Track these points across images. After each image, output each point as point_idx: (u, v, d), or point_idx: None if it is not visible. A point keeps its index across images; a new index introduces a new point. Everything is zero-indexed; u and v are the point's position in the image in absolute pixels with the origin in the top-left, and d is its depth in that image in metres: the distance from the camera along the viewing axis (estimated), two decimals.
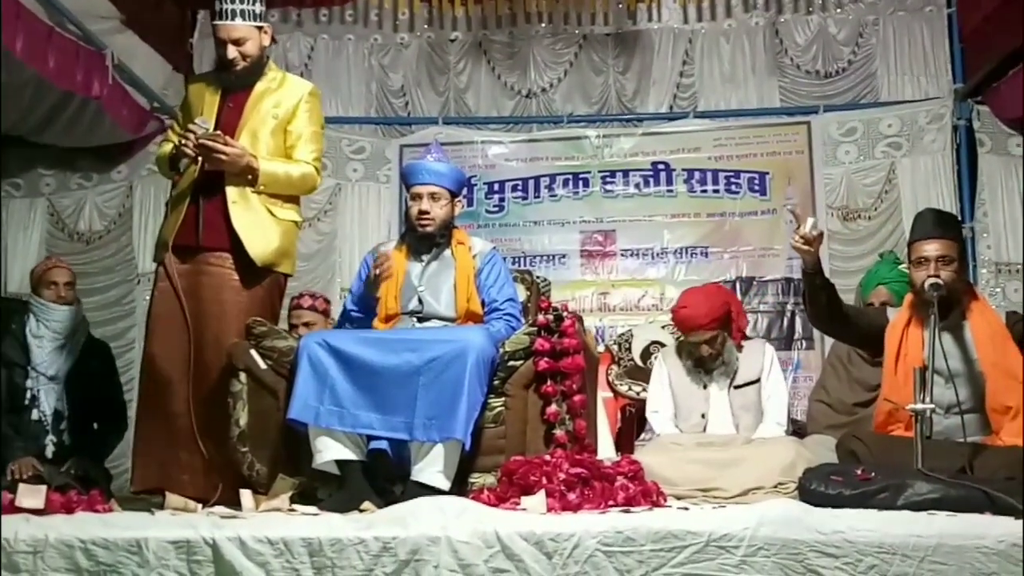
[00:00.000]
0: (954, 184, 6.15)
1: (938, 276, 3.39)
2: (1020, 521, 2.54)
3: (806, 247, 3.47)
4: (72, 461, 4.26)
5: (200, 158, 3.54)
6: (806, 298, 3.66)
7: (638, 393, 4.58)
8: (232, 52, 3.61)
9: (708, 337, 3.96)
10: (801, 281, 3.78)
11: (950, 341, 3.40)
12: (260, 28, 3.67)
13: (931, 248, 3.45)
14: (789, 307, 6.24)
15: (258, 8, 3.66)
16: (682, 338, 4.18)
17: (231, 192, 3.59)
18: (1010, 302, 5.98)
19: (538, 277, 4.32)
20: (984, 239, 6.05)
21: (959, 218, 3.76)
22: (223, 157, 3.50)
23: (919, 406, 3.08)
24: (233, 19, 3.60)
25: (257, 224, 3.61)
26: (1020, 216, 6.02)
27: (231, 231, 3.58)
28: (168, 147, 3.71)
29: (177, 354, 3.57)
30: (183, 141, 3.54)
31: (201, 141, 3.50)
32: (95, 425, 4.55)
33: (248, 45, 3.63)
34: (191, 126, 3.55)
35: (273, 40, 3.80)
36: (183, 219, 3.61)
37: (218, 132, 3.54)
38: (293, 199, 3.76)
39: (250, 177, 3.57)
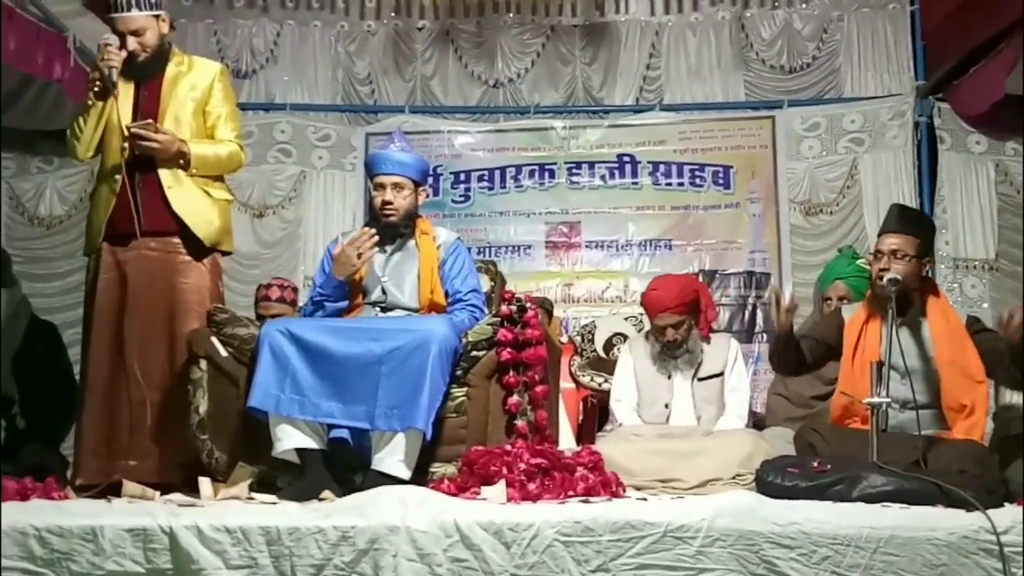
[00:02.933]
0: (915, 180, 6.22)
1: (887, 269, 3.40)
2: (971, 514, 2.60)
3: (787, 316, 3.48)
4: (26, 447, 4.21)
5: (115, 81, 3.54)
6: (777, 354, 3.67)
7: (600, 384, 4.60)
8: (132, 44, 3.61)
9: (675, 321, 3.97)
10: (768, 317, 3.82)
11: (908, 337, 3.43)
12: (158, 17, 3.66)
13: (888, 242, 3.47)
14: (751, 300, 6.29)
15: None
16: (646, 329, 4.20)
17: (165, 176, 3.60)
18: (967, 298, 6.08)
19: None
20: (943, 235, 6.11)
21: (926, 215, 3.77)
22: (155, 145, 3.52)
23: (875, 400, 3.11)
24: (129, 10, 3.60)
25: (197, 206, 3.64)
26: (978, 212, 6.12)
27: (172, 214, 3.59)
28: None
29: (127, 341, 3.54)
30: (105, 57, 3.51)
31: (133, 130, 3.51)
32: (46, 410, 4.49)
33: (147, 35, 3.63)
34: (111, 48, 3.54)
35: (172, 27, 3.80)
36: (116, 206, 3.59)
37: (149, 121, 3.54)
38: (221, 178, 3.79)
39: (182, 161, 3.59)
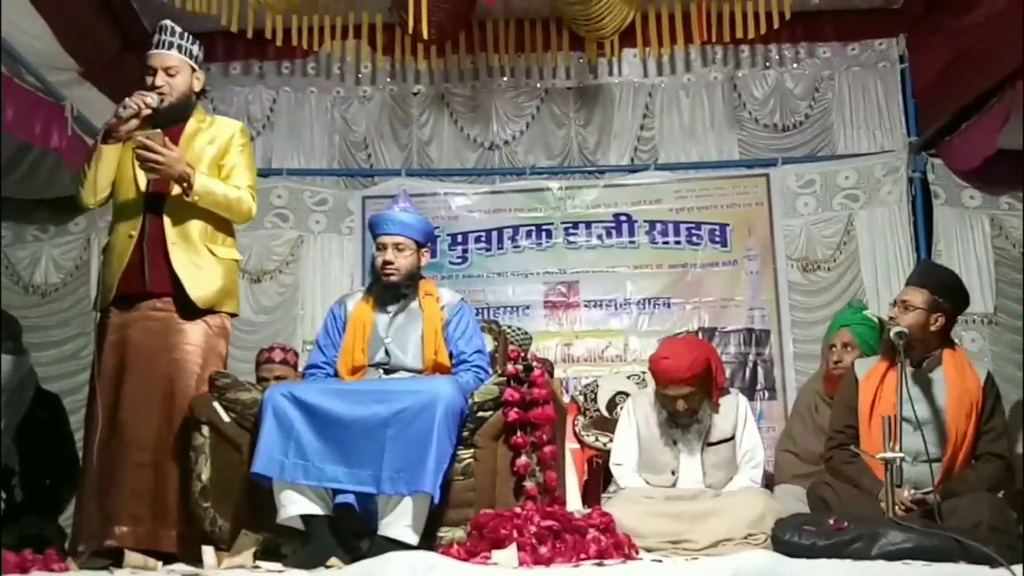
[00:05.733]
0: (910, 235, 6.23)
1: (893, 319, 3.46)
2: (995, 570, 2.54)
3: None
4: (24, 519, 4.13)
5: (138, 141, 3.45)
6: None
7: (605, 444, 4.54)
8: (161, 79, 3.59)
9: (686, 392, 3.80)
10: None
11: (922, 389, 3.43)
12: (193, 69, 3.67)
13: (902, 294, 3.54)
14: (751, 357, 6.26)
15: (194, 49, 3.68)
16: (650, 387, 4.13)
17: (171, 233, 3.55)
18: (969, 352, 6.03)
19: (517, 329, 4.27)
20: None
21: (949, 273, 3.80)
22: (160, 159, 3.43)
23: (889, 455, 3.08)
24: (169, 49, 3.61)
25: (197, 264, 3.57)
26: (975, 267, 6.12)
27: (172, 273, 3.53)
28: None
29: (124, 404, 3.48)
30: (129, 101, 3.45)
31: (138, 139, 3.45)
32: (47, 481, 4.42)
33: (178, 78, 3.62)
34: (143, 95, 3.50)
35: (204, 91, 3.79)
36: (128, 265, 3.55)
37: (158, 131, 3.48)
38: (230, 235, 3.72)
39: (184, 185, 3.50)
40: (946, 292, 3.58)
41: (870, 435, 3.43)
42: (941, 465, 3.36)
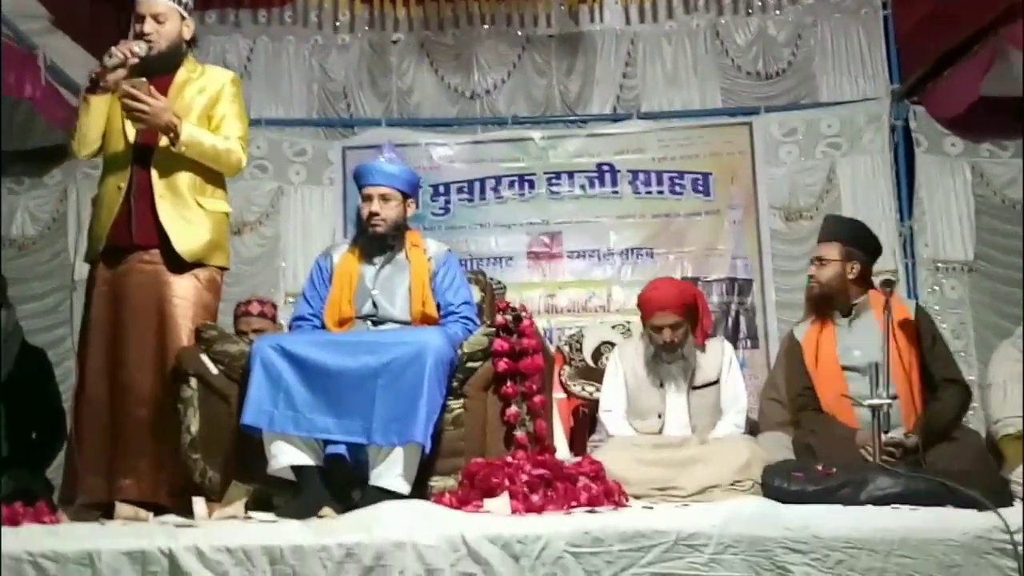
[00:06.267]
0: (892, 183, 6.25)
1: (812, 276, 3.72)
2: (982, 514, 2.58)
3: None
4: (11, 473, 4.11)
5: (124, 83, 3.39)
6: None
7: (591, 394, 4.56)
8: (150, 26, 3.51)
9: (673, 321, 3.88)
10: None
11: (858, 337, 3.60)
12: (182, 17, 3.59)
13: (815, 251, 3.77)
14: (734, 307, 6.30)
15: None
16: (635, 334, 4.15)
17: (158, 186, 3.48)
18: (948, 299, 6.11)
19: (491, 279, 4.27)
20: (921, 237, 6.16)
21: (856, 222, 3.96)
22: (145, 108, 3.36)
23: (876, 401, 3.11)
24: None
25: (185, 217, 3.50)
26: (956, 214, 6.15)
27: (159, 226, 3.47)
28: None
29: (118, 358, 3.44)
30: (115, 50, 3.38)
31: (123, 88, 3.38)
32: (33, 435, 4.40)
33: (167, 25, 3.54)
34: (130, 43, 3.43)
35: (194, 40, 3.71)
36: (116, 218, 3.49)
37: (143, 80, 3.41)
38: (220, 187, 3.65)
39: (171, 136, 3.43)
40: (856, 240, 3.73)
41: (827, 388, 3.56)
42: (901, 401, 3.40)
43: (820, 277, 3.68)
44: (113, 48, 3.39)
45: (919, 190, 6.19)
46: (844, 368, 3.53)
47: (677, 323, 3.90)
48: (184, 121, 3.45)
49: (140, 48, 3.44)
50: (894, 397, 3.31)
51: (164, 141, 3.45)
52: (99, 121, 3.52)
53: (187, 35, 3.63)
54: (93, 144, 3.55)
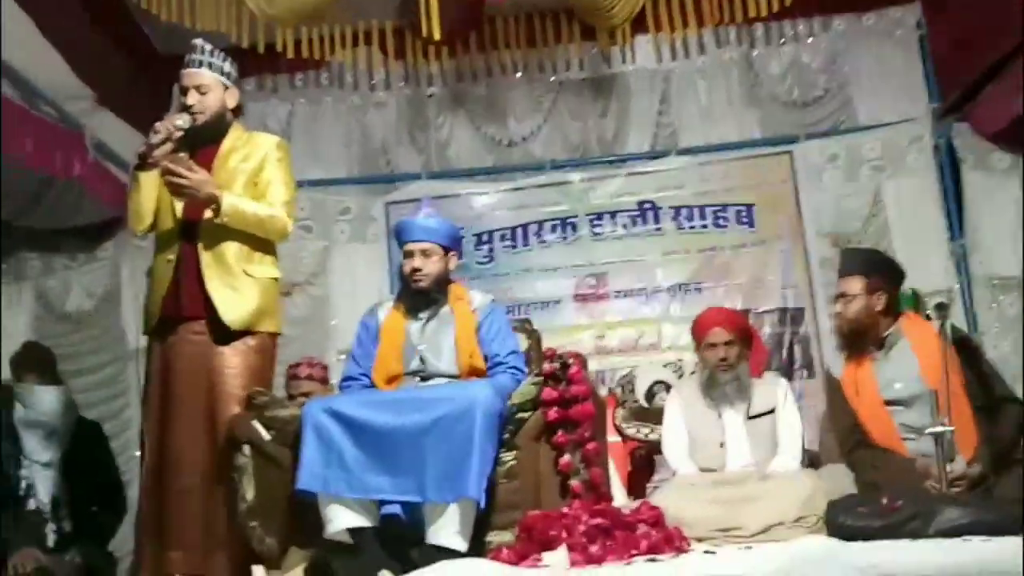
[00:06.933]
0: (940, 202, 6.14)
1: (839, 314, 3.66)
2: None
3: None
4: (75, 549, 4.15)
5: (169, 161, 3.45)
6: None
7: (647, 435, 4.52)
8: (193, 97, 3.58)
9: (727, 338, 3.96)
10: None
11: (896, 368, 3.52)
12: (225, 87, 3.65)
13: (838, 288, 3.73)
14: (787, 337, 6.20)
15: (226, 67, 3.67)
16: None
17: (205, 257, 3.53)
18: (1006, 316, 5.97)
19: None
20: (975, 255, 6.04)
21: (871, 250, 3.88)
22: (185, 182, 3.42)
23: (938, 428, 3.04)
24: (199, 68, 3.61)
25: (232, 287, 3.53)
26: (1008, 229, 6.02)
27: (207, 297, 3.50)
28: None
29: (174, 431, 3.47)
30: (159, 126, 3.45)
31: (163, 165, 3.44)
32: (94, 509, 4.44)
33: (211, 96, 3.60)
34: (173, 117, 3.50)
35: (240, 109, 3.77)
36: (166, 292, 3.54)
37: (183, 155, 3.47)
38: (268, 253, 3.67)
39: (214, 207, 3.47)
40: (878, 270, 3.68)
41: (875, 424, 3.48)
42: (955, 430, 3.31)
43: (847, 314, 3.62)
44: (157, 124, 3.47)
45: (968, 207, 6.08)
46: (887, 403, 3.44)
47: (731, 340, 3.97)
48: (226, 192, 3.49)
49: (183, 121, 3.51)
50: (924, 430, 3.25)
51: (208, 213, 3.49)
52: (150, 196, 3.58)
53: (231, 103, 3.69)
54: (147, 219, 3.62)
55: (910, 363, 3.45)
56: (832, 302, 3.78)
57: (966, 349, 3.54)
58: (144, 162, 3.50)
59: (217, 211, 3.47)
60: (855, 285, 3.62)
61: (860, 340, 3.61)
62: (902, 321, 3.60)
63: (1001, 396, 3.45)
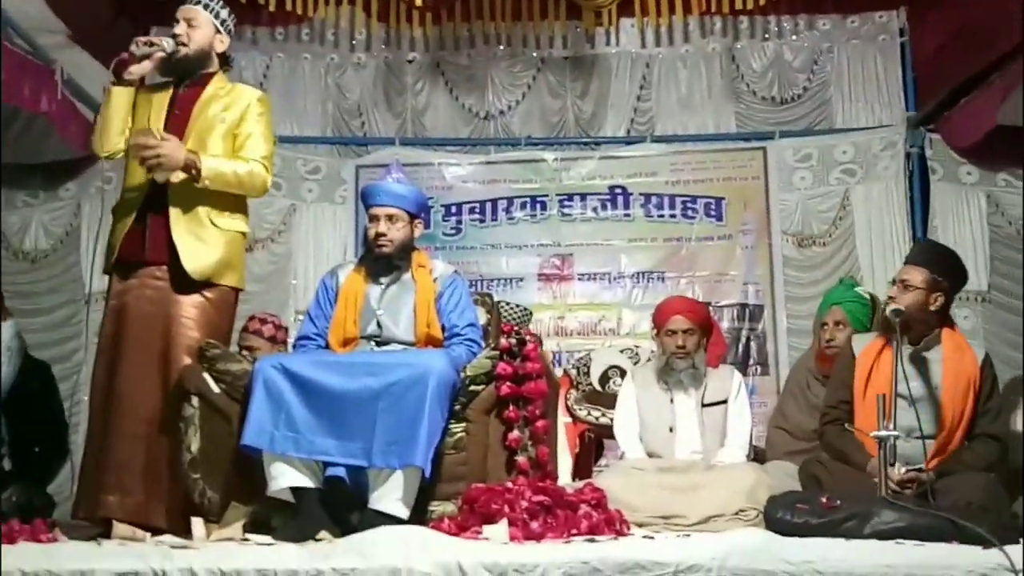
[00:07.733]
0: (907, 211, 6.20)
1: (893, 298, 3.45)
2: (987, 551, 2.53)
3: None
4: (13, 488, 4.10)
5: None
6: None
7: (597, 418, 4.53)
8: (182, 27, 3.52)
9: (687, 326, 4.00)
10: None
11: (917, 366, 3.42)
12: (217, 31, 3.60)
13: (901, 273, 3.53)
14: (744, 332, 6.25)
15: (223, 13, 3.62)
16: (660, 330, 4.12)
17: (174, 201, 3.46)
18: (962, 330, 6.01)
19: (516, 307, 4.24)
20: None
21: (949, 252, 3.76)
22: (158, 151, 3.33)
23: (883, 433, 3.07)
24: (196, 4, 3.56)
25: (198, 236, 3.47)
26: (971, 243, 6.09)
27: (171, 243, 3.44)
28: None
29: (120, 374, 3.42)
30: (141, 40, 3.40)
31: (131, 142, 3.39)
32: (36, 450, 4.39)
33: (199, 32, 3.55)
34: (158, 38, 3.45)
35: (229, 61, 3.71)
36: (128, 231, 3.48)
37: (148, 128, 3.40)
38: (240, 208, 3.62)
39: (193, 172, 3.40)
40: (946, 271, 3.54)
41: (864, 411, 3.42)
42: (934, 443, 3.35)
43: (900, 301, 3.44)
44: (139, 37, 3.40)
45: (934, 218, 6.14)
46: (897, 395, 3.33)
47: (690, 329, 4.01)
48: (202, 153, 3.43)
49: (167, 43, 3.46)
50: (914, 434, 3.26)
51: (181, 176, 3.41)
52: (121, 115, 3.50)
53: (219, 48, 3.63)
54: (113, 141, 3.52)
55: (935, 370, 3.43)
56: (889, 284, 3.65)
57: (987, 378, 3.49)
58: (120, 77, 3.43)
59: (197, 175, 3.40)
60: (918, 276, 3.47)
61: (903, 329, 3.41)
62: (945, 330, 3.53)
63: (987, 432, 3.44)
